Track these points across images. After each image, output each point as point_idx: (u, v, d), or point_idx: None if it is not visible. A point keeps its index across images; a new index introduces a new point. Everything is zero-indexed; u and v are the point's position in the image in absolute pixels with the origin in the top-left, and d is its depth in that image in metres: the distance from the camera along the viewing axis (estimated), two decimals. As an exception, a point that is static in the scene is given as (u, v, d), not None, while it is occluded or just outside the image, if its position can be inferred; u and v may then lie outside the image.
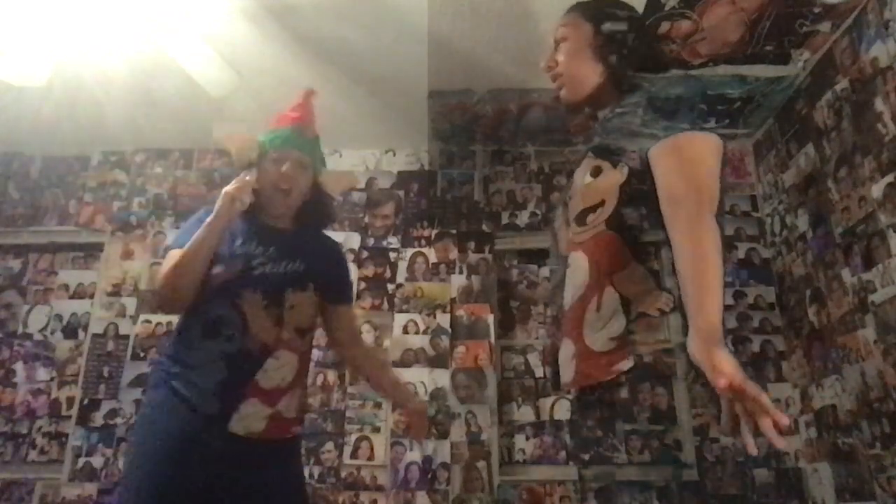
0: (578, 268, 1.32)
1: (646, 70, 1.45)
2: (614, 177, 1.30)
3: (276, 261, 1.63)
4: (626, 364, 1.27)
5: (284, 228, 1.72)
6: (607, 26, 1.39)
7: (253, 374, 1.55)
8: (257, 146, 1.71)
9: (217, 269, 1.58)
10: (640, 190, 1.28)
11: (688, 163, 1.22)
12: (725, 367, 1.06)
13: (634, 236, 1.22)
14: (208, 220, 1.57)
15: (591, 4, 1.46)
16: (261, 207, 1.68)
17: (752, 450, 1.06)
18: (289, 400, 1.60)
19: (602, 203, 1.30)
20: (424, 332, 3.01)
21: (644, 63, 1.45)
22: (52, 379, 3.06)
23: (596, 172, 1.32)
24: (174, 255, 1.58)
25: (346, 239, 3.21)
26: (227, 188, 1.59)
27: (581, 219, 1.33)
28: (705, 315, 1.11)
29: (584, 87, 1.45)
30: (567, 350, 1.33)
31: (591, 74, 1.44)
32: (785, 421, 1.04)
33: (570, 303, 1.33)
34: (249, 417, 1.52)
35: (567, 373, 1.34)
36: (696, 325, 1.13)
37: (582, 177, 1.36)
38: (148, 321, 3.06)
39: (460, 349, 2.97)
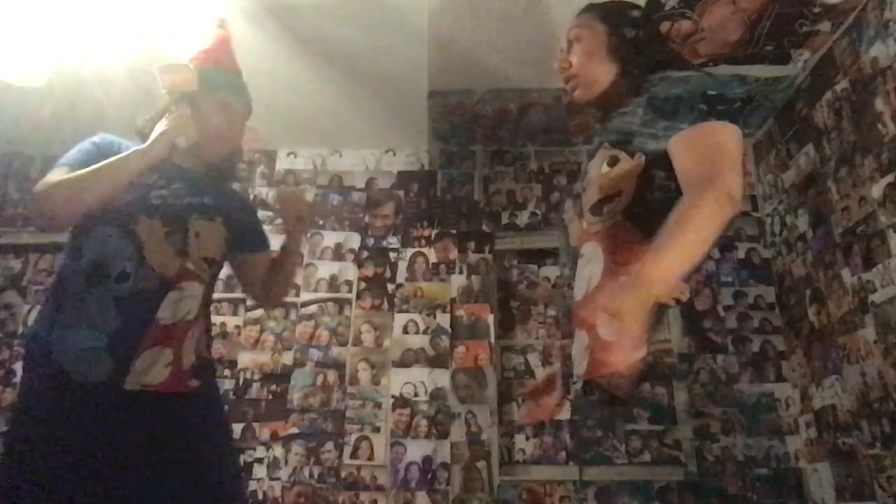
0: (593, 257, 1.30)
1: (658, 70, 1.46)
2: (631, 166, 1.29)
3: (180, 196, 1.45)
4: (642, 353, 1.24)
5: (192, 168, 1.54)
6: (623, 28, 1.40)
7: (153, 315, 1.33)
8: (196, 80, 1.49)
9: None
10: (661, 178, 1.26)
11: (707, 149, 1.21)
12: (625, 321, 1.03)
13: (652, 226, 1.16)
14: (141, 148, 1.41)
15: (605, 5, 1.48)
16: (180, 150, 1.50)
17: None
18: (191, 340, 1.40)
19: (619, 193, 1.29)
20: (424, 332, 3.01)
21: (657, 63, 1.46)
22: (52, 379, 3.05)
23: (613, 162, 1.32)
24: (61, 173, 1.36)
25: (346, 239, 3.21)
26: (164, 128, 1.44)
27: (597, 209, 1.31)
28: (656, 265, 1.06)
29: (597, 87, 1.45)
30: (580, 342, 1.30)
31: (605, 75, 1.44)
32: None
33: (584, 293, 1.31)
34: (149, 368, 1.31)
35: (581, 365, 1.31)
36: (635, 272, 1.06)
37: (598, 167, 1.35)
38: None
39: (460, 349, 2.97)
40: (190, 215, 1.44)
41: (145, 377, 1.30)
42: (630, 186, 1.28)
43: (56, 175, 1.36)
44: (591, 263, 1.30)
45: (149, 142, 1.44)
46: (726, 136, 1.24)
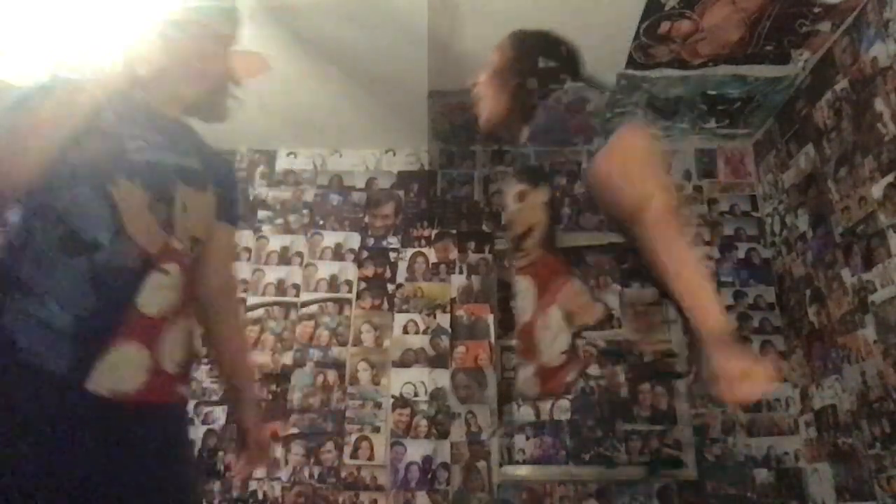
0: (524, 292, 1.37)
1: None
2: (538, 198, 1.32)
3: (164, 150, 1.21)
4: (573, 375, 1.31)
5: (171, 116, 1.28)
6: (527, 61, 1.45)
7: (131, 298, 1.10)
8: None
9: (71, 150, 1.10)
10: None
11: (625, 168, 1.17)
12: (754, 381, 1.00)
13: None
14: (85, 80, 1.16)
15: (525, 36, 1.53)
16: (146, 82, 1.23)
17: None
18: (172, 340, 1.16)
19: (532, 228, 1.33)
20: (424, 332, 3.01)
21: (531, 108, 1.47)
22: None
23: (521, 198, 1.35)
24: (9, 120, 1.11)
25: (346, 239, 3.21)
26: (131, 44, 1.20)
27: (517, 245, 1.35)
28: (706, 320, 1.06)
29: (490, 111, 1.47)
30: (526, 371, 1.38)
31: (498, 101, 1.45)
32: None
33: (520, 327, 1.39)
34: (122, 368, 1.07)
35: (531, 390, 1.40)
36: (705, 335, 1.06)
37: (511, 203, 1.40)
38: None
39: (460, 349, 2.97)
40: (176, 182, 1.20)
41: (115, 381, 1.06)
42: (541, 219, 1.31)
43: None
44: (524, 298, 1.37)
45: (96, 71, 1.19)
46: (635, 146, 1.20)
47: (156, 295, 1.13)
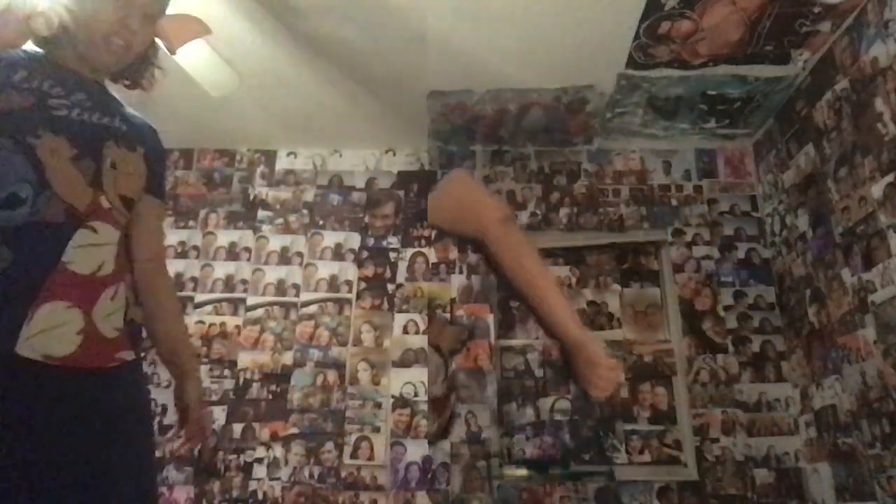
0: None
1: None
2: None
3: (87, 110, 1.16)
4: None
5: (89, 78, 1.23)
6: None
7: (58, 255, 1.03)
8: None
9: None
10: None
11: (458, 204, 1.31)
12: (609, 376, 1.15)
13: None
14: None
15: None
16: (61, 45, 1.18)
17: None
18: (108, 301, 1.10)
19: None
20: (424, 332, 3.01)
21: None
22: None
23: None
24: None
25: (346, 239, 3.21)
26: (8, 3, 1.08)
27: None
28: (565, 328, 1.18)
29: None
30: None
31: None
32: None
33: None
34: (52, 330, 1.00)
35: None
36: (565, 342, 1.19)
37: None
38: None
39: (460, 349, 2.97)
40: (105, 140, 1.15)
41: (46, 344, 0.99)
42: None
43: None
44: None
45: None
46: (460, 184, 1.38)
47: (85, 253, 1.07)
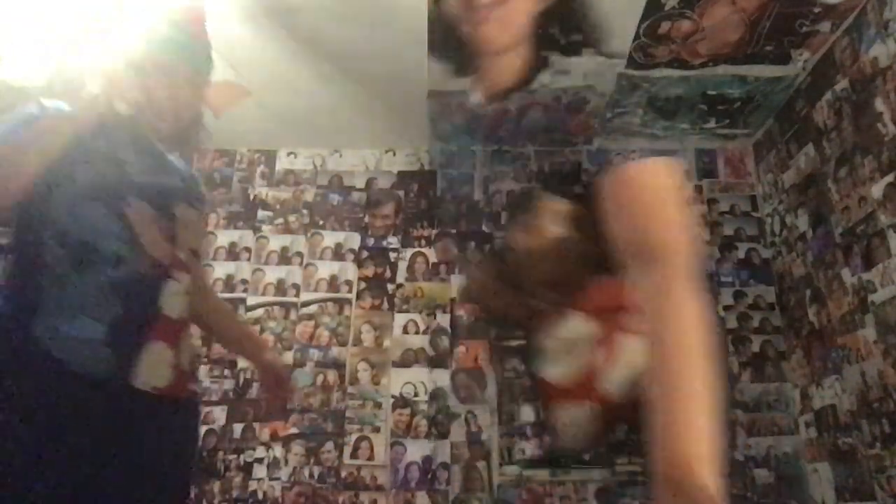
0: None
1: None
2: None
3: (153, 172, 1.34)
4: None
5: (150, 143, 1.41)
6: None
7: (156, 303, 1.24)
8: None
9: (79, 173, 1.21)
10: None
11: (654, 197, 0.89)
12: None
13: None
14: (67, 112, 1.25)
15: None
16: (125, 119, 1.36)
17: None
18: (185, 341, 1.32)
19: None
20: (424, 332, 3.01)
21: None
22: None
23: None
24: None
25: (346, 239, 3.21)
26: (97, 89, 1.28)
27: None
28: (668, 445, 0.71)
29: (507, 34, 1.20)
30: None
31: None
32: None
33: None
34: (154, 366, 1.21)
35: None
36: (656, 458, 0.72)
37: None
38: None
39: (460, 349, 2.97)
40: (175, 202, 1.34)
41: (152, 377, 1.21)
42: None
43: None
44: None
45: (79, 104, 1.27)
46: (659, 183, 0.91)
47: (174, 300, 1.27)
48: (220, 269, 3.14)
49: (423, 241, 3.21)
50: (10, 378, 1.11)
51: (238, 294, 3.09)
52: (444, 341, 2.98)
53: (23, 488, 1.06)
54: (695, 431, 0.69)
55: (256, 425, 2.87)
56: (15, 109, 1.26)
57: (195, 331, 1.47)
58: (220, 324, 1.64)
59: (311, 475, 2.77)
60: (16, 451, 1.07)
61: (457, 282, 3.11)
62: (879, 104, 2.24)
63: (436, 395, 2.89)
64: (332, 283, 3.12)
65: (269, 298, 3.09)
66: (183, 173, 1.45)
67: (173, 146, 1.45)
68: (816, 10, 2.37)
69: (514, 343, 3.10)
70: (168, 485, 1.28)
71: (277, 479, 2.78)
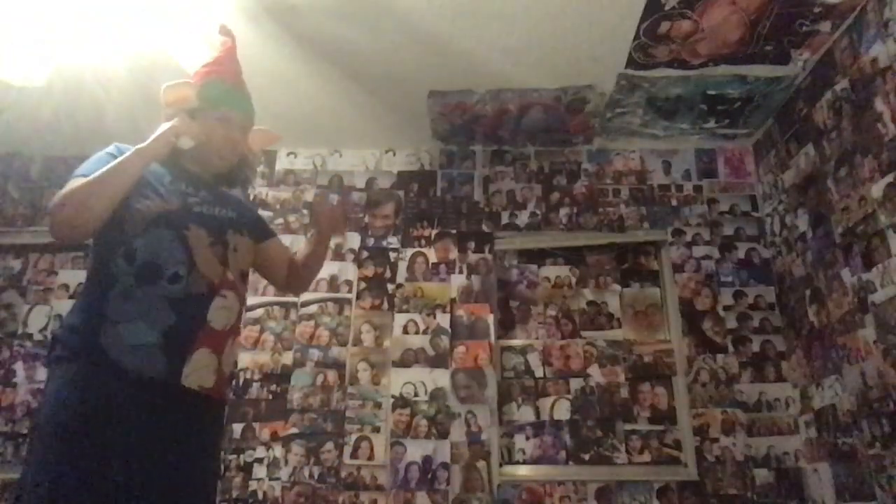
0: None
1: None
2: None
3: (211, 204, 1.56)
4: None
5: (207, 180, 1.64)
6: None
7: (204, 316, 1.43)
8: (196, 97, 1.59)
9: (149, 202, 1.45)
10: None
11: None
12: None
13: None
14: (140, 147, 1.45)
15: None
16: (187, 155, 1.58)
17: None
18: (230, 349, 1.51)
19: None
20: (424, 332, 3.01)
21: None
22: (52, 379, 3.05)
23: None
24: (75, 184, 1.40)
25: (347, 239, 3.21)
26: (174, 123, 1.51)
27: None
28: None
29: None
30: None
31: None
32: None
33: None
34: (201, 369, 1.40)
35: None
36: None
37: None
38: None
39: (460, 349, 2.97)
40: (227, 228, 1.55)
41: (200, 378, 1.39)
42: None
43: (70, 186, 1.40)
44: None
45: (148, 140, 1.47)
46: None
47: (220, 314, 1.46)
48: (220, 269, 3.14)
49: (423, 241, 3.21)
50: (79, 382, 1.30)
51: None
52: (444, 341, 2.98)
53: (84, 477, 1.23)
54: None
55: (256, 425, 2.87)
56: (95, 153, 1.49)
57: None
58: (307, 265, 1.91)
59: (311, 475, 2.77)
60: (82, 445, 1.26)
61: (457, 282, 3.12)
62: (879, 104, 2.24)
63: (436, 395, 2.89)
64: (332, 283, 3.12)
65: (269, 298, 3.09)
66: (238, 205, 1.68)
67: (224, 181, 1.69)
68: (816, 10, 2.37)
69: (514, 342, 3.11)
70: (204, 472, 1.45)
71: (277, 479, 2.78)
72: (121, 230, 1.41)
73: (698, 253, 3.12)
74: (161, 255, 1.40)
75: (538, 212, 3.26)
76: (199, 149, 1.55)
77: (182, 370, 1.36)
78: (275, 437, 2.84)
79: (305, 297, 3.08)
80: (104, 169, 1.39)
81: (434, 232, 3.23)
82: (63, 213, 1.36)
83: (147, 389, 1.32)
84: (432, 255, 3.18)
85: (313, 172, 3.38)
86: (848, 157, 2.43)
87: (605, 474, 2.80)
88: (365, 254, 3.19)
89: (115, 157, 1.45)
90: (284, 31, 2.49)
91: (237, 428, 2.86)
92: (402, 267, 3.16)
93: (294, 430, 2.85)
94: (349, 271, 3.15)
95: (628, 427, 2.92)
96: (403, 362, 2.96)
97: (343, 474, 2.78)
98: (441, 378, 2.92)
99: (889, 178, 2.19)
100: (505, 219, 3.26)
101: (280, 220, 3.26)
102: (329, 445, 2.82)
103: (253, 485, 2.77)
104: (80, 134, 3.23)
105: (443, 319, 3.03)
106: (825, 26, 2.45)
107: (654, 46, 2.58)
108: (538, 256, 3.28)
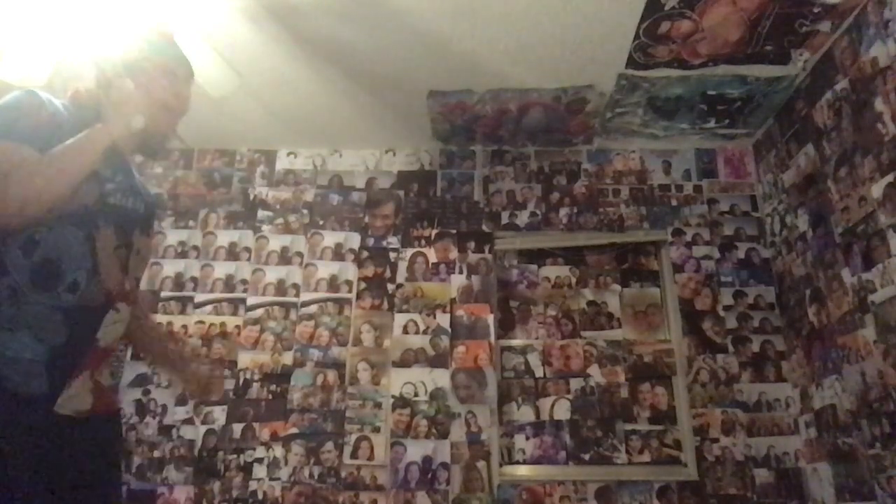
0: None
1: None
2: None
3: (125, 193, 1.32)
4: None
5: (122, 154, 1.37)
6: None
7: (95, 332, 1.24)
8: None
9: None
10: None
11: None
12: None
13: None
14: (100, 132, 1.25)
15: None
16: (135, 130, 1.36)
17: None
18: (106, 364, 1.31)
19: None
20: (424, 332, 3.01)
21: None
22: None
23: None
24: (12, 150, 1.16)
25: (346, 239, 3.21)
26: (121, 106, 1.32)
27: None
28: None
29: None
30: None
31: None
32: None
33: None
34: (75, 397, 1.19)
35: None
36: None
37: None
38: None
39: (460, 349, 2.97)
40: (134, 227, 1.34)
41: (76, 405, 1.19)
42: None
43: (9, 152, 1.16)
44: None
45: (110, 120, 1.30)
46: None
47: (111, 330, 1.28)
48: (219, 269, 3.14)
49: (423, 241, 3.21)
50: None
51: (238, 294, 3.09)
52: (444, 341, 2.98)
53: None
54: None
55: (256, 425, 2.87)
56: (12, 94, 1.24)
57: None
58: (149, 346, 1.61)
59: (311, 475, 2.77)
60: None
61: (457, 282, 3.12)
62: (879, 104, 2.24)
63: (436, 395, 2.89)
64: (332, 283, 3.12)
65: (269, 298, 3.09)
66: (146, 197, 1.44)
67: (148, 151, 1.47)
68: (816, 10, 2.37)
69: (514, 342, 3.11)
70: (92, 494, 1.24)
71: (277, 479, 2.78)
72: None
73: (698, 253, 3.12)
74: (63, 258, 1.20)
75: (538, 212, 3.26)
76: (148, 117, 1.35)
77: (58, 394, 1.17)
78: (275, 437, 2.84)
79: (305, 296, 3.09)
80: (69, 145, 1.20)
81: (434, 232, 3.23)
82: (20, 189, 1.13)
83: (24, 407, 1.14)
84: (432, 255, 3.18)
85: (313, 172, 3.38)
86: (848, 156, 2.43)
87: (605, 474, 2.80)
88: (365, 254, 3.19)
89: (40, 106, 1.23)
90: (284, 31, 2.49)
91: (237, 428, 2.86)
92: (402, 267, 3.16)
93: (294, 430, 2.85)
94: (349, 271, 3.15)
95: (628, 427, 2.92)
96: (403, 362, 2.96)
97: (343, 474, 2.78)
98: (441, 378, 2.92)
99: (889, 178, 2.19)
100: (505, 219, 3.26)
101: (280, 220, 3.26)
102: (329, 445, 2.82)
103: (253, 485, 2.77)
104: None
105: (443, 319, 3.03)
106: (825, 26, 2.45)
107: (654, 46, 2.58)
108: (538, 256, 3.28)
